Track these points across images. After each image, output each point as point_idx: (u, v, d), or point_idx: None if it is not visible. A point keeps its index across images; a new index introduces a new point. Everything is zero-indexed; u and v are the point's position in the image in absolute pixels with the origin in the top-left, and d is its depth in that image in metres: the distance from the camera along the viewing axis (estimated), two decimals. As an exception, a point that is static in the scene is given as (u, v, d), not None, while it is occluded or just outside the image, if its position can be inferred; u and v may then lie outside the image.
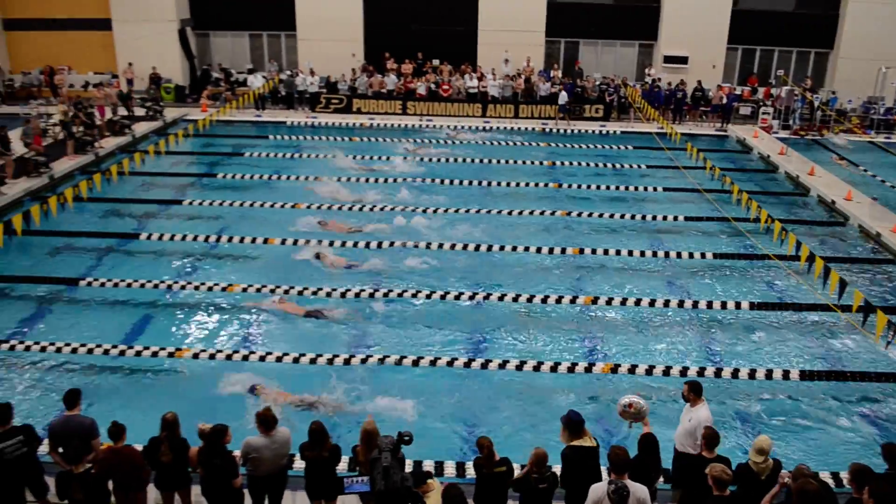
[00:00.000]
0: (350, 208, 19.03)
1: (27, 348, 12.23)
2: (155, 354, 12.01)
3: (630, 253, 16.48)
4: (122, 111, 27.23)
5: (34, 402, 10.84)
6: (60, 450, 7.88)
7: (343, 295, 14.16)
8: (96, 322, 13.48)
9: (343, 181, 21.09)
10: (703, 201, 20.14)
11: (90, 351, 12.11)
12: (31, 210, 17.02)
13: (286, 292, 14.22)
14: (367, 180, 21.44)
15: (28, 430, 7.92)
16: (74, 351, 12.12)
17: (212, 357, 11.93)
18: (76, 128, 23.46)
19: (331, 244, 16.51)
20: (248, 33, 33.77)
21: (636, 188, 21.41)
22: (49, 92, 31.57)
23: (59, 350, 12.14)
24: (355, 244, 16.62)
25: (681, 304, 14.16)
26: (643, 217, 18.97)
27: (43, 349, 12.18)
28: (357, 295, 14.18)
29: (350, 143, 26.01)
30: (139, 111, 28.24)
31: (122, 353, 12.08)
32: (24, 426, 7.95)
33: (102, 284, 14.54)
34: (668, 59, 31.53)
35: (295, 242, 16.62)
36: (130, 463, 7.69)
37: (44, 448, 8.30)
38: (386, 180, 21.48)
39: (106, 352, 12.10)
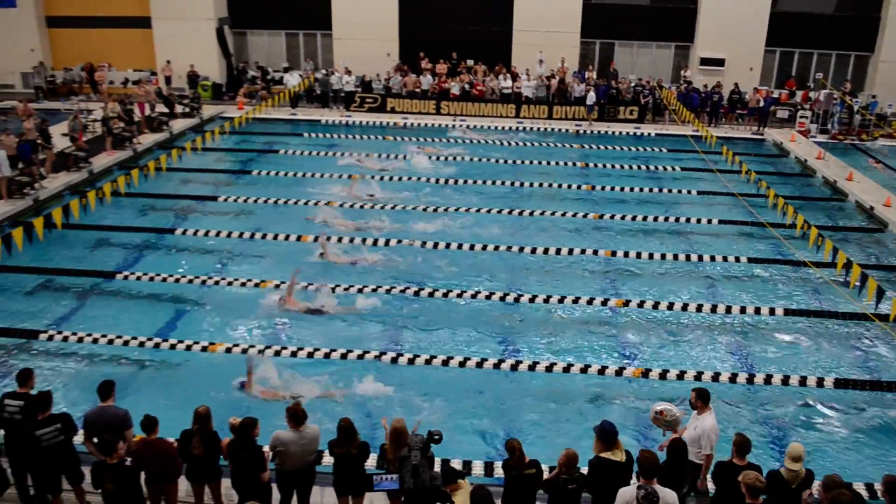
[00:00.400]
0: (382, 207, 19.11)
1: (65, 339, 12.49)
2: (189, 348, 12.19)
3: (663, 256, 16.38)
4: (160, 108, 27.61)
5: (71, 391, 11.04)
6: (95, 440, 8.02)
7: (374, 291, 14.26)
8: (131, 315, 13.71)
9: (376, 180, 21.23)
10: (738, 205, 19.92)
11: (126, 343, 12.32)
12: (71, 204, 17.37)
13: (317, 289, 14.33)
14: (399, 179, 21.52)
15: (66, 418, 8.07)
16: (111, 342, 12.35)
17: (244, 352, 12.07)
18: (115, 124, 23.87)
19: (363, 241, 16.62)
20: (284, 32, 34.06)
21: (670, 191, 21.23)
22: (89, 88, 32.17)
23: (95, 341, 12.39)
24: (387, 242, 16.67)
25: (713, 308, 14.02)
26: (676, 220, 18.82)
27: (80, 340, 12.44)
28: (388, 292, 14.24)
29: (378, 142, 26.13)
30: (176, 108, 28.63)
31: (156, 345, 12.27)
32: (62, 415, 8.11)
33: (138, 278, 14.81)
34: (705, 61, 31.19)
35: (328, 239, 16.73)
36: (163, 455, 7.80)
37: (79, 438, 8.44)
38: (419, 179, 21.54)
39: (141, 344, 12.30)
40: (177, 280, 14.71)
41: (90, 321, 13.40)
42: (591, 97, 28.50)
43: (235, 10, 33.40)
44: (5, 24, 32.70)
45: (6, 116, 24.65)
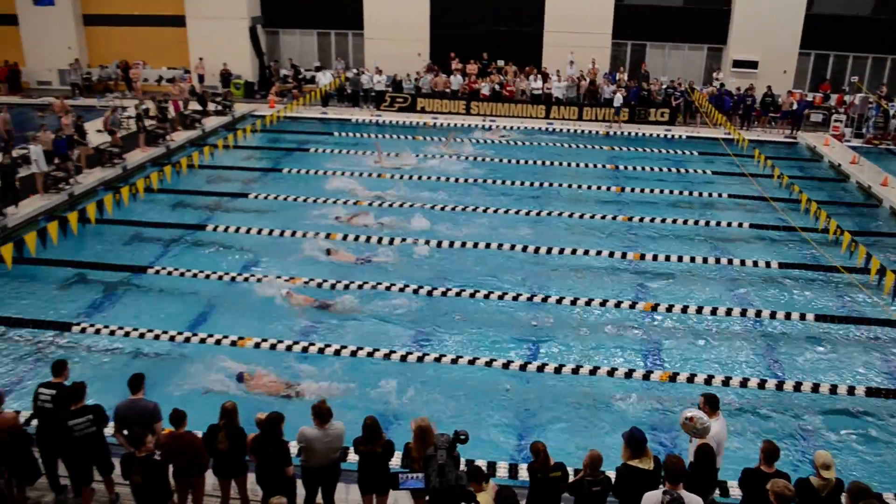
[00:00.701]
0: (410, 206, 19.17)
1: (97, 331, 12.70)
2: (218, 343, 12.33)
3: (692, 259, 16.25)
4: (193, 106, 27.93)
5: (101, 383, 11.18)
6: (125, 432, 8.14)
7: (401, 290, 14.33)
8: (162, 309, 13.90)
9: (405, 179, 21.33)
10: (770, 210, 19.71)
11: (156, 337, 12.49)
12: (105, 199, 17.65)
13: (345, 287, 14.42)
14: (428, 178, 21.58)
15: (98, 410, 8.20)
16: (142, 336, 12.53)
17: (272, 347, 12.19)
18: (149, 121, 24.20)
19: (380, 240, 16.67)
20: (316, 32, 34.30)
21: (700, 194, 21.05)
22: (124, 86, 32.65)
23: (126, 334, 12.57)
24: (415, 241, 16.72)
25: (743, 313, 13.89)
26: (707, 223, 18.66)
27: (112, 333, 12.63)
28: (416, 292, 14.30)
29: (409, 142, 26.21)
30: (209, 106, 28.96)
31: (186, 339, 12.43)
32: (94, 406, 8.23)
33: (169, 273, 15.00)
34: (738, 64, 30.87)
35: (356, 238, 16.84)
36: (191, 448, 7.89)
37: (110, 429, 8.57)
38: (447, 179, 21.58)
39: (172, 338, 12.47)
40: (207, 276, 14.88)
41: (122, 314, 13.62)
42: (619, 99, 28.37)
43: (268, 9, 33.72)
44: (43, 22, 33.33)
45: (43, 113, 25.07)
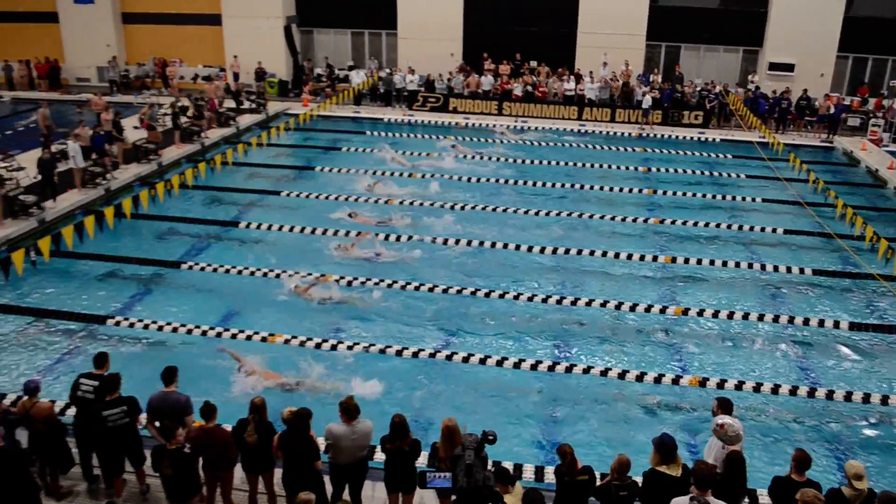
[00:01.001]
0: (441, 206, 19.21)
1: (131, 325, 12.92)
2: (249, 338, 12.47)
3: (724, 264, 16.09)
4: (228, 103, 28.25)
5: (133, 376, 11.34)
6: (157, 423, 8.27)
7: (431, 290, 14.38)
8: (194, 304, 14.09)
9: (436, 178, 21.40)
10: (805, 215, 19.47)
11: (189, 331, 12.67)
12: (141, 195, 17.91)
13: (375, 284, 14.51)
14: (458, 179, 21.61)
15: (132, 401, 8.34)
16: (175, 330, 12.72)
17: (302, 344, 12.30)
18: (184, 118, 24.52)
19: (409, 238, 16.72)
20: (350, 31, 34.49)
21: (734, 198, 20.83)
22: (161, 83, 33.11)
23: (160, 328, 12.77)
24: (445, 241, 16.75)
25: (776, 319, 13.72)
26: (740, 228, 18.46)
27: (145, 327, 12.84)
28: (445, 291, 14.33)
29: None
30: (243, 104, 29.29)
31: (218, 335, 12.58)
32: (129, 398, 8.36)
33: (202, 269, 15.19)
34: (774, 66, 30.49)
35: (386, 238, 16.92)
36: (220, 442, 7.97)
37: (143, 420, 8.70)
38: (479, 180, 21.60)
39: (204, 333, 12.63)
40: (239, 272, 15.05)
41: (155, 308, 13.82)
42: (648, 101, 28.20)
43: (303, 8, 33.97)
44: (83, 19, 33.93)
45: (81, 109, 25.51)
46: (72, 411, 8.87)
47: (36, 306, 13.73)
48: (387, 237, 16.92)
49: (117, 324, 12.98)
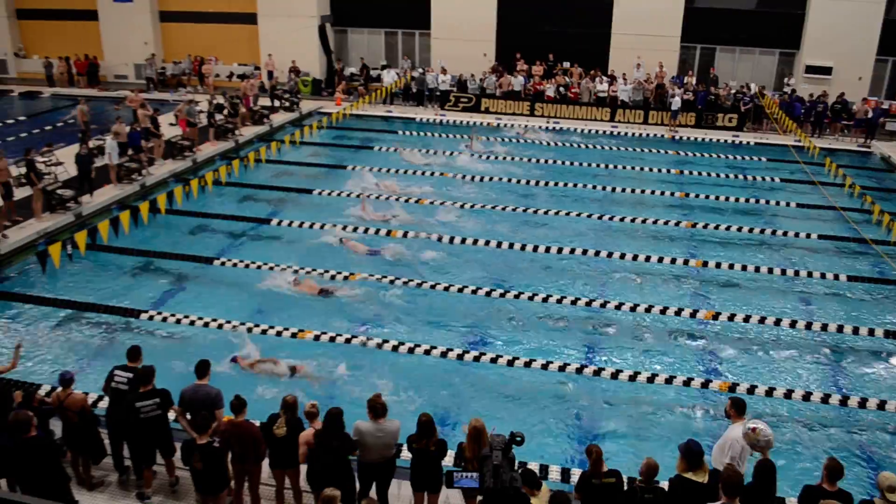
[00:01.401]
0: (472, 207, 19.23)
1: (164, 319, 13.11)
2: (279, 334, 12.60)
3: (757, 269, 15.93)
4: (262, 101, 28.52)
5: (164, 369, 11.51)
6: (188, 416, 8.38)
7: (460, 291, 14.42)
8: (226, 299, 14.27)
9: (467, 179, 21.45)
10: (840, 220, 19.19)
11: (220, 326, 12.83)
12: (175, 191, 18.15)
13: (404, 283, 14.57)
14: (482, 179, 21.63)
15: (165, 394, 8.47)
16: (206, 325, 12.88)
17: (332, 340, 12.41)
18: (219, 115, 24.81)
19: (440, 238, 16.77)
20: (384, 31, 34.63)
21: (767, 202, 20.57)
22: (196, 81, 33.52)
23: (192, 323, 12.95)
24: (478, 241, 16.77)
25: (808, 325, 13.55)
26: (773, 232, 18.24)
27: (178, 321, 13.03)
28: (474, 292, 14.36)
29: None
30: (277, 102, 29.55)
31: (249, 330, 12.71)
32: (162, 390, 8.50)
33: (234, 265, 15.37)
34: (810, 69, 30.01)
35: (416, 235, 16.99)
36: (249, 436, 8.04)
37: (172, 414, 8.83)
38: (509, 181, 21.59)
39: (234, 328, 12.78)
40: (271, 268, 15.19)
41: (187, 303, 14.02)
42: (677, 102, 27.93)
43: (338, 8, 34.16)
44: (122, 17, 34.45)
45: (119, 105, 25.91)
46: (104, 403, 9.01)
47: (71, 299, 13.98)
48: (417, 234, 16.99)
49: (150, 318, 13.19)
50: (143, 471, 8.77)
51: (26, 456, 7.53)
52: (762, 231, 18.26)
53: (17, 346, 9.84)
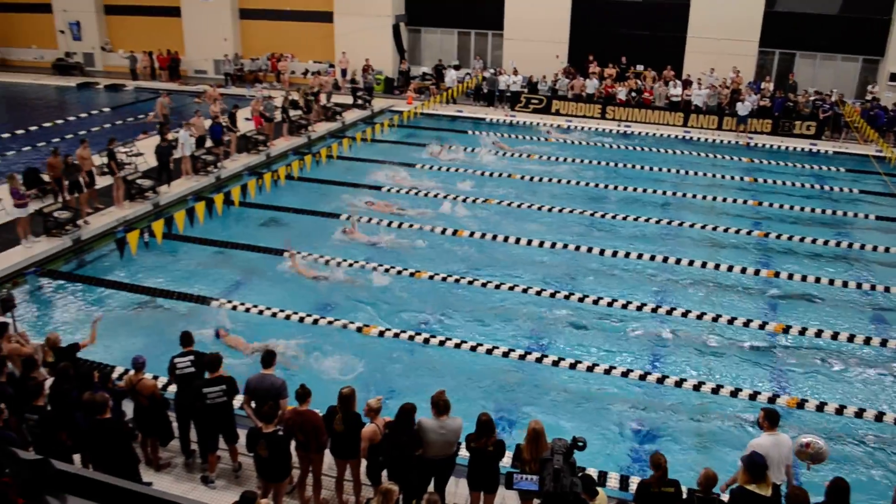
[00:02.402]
0: (540, 208, 19.17)
1: (233, 308, 13.49)
2: (344, 327, 12.83)
3: (831, 282, 15.46)
4: (335, 98, 28.98)
5: (231, 356, 11.83)
6: (253, 404, 8.60)
7: (524, 292, 14.43)
8: (294, 291, 14.56)
9: (524, 180, 21.42)
10: (922, 235, 18.49)
11: (287, 317, 13.12)
12: (249, 184, 18.62)
13: (482, 286, 14.64)
14: (549, 180, 21.56)
15: (231, 381, 8.72)
16: (274, 315, 13.19)
17: (396, 336, 12.58)
18: (293, 111, 25.33)
19: (506, 239, 16.77)
20: (457, 31, 34.78)
21: (845, 213, 19.93)
22: (273, 77, 34.25)
23: (260, 313, 13.27)
24: (545, 244, 16.74)
25: (883, 342, 13.09)
26: (850, 245, 17.67)
27: (247, 310, 13.40)
28: (538, 293, 14.34)
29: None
30: (347, 99, 29.98)
31: (315, 321, 12.98)
32: (228, 377, 8.75)
33: (303, 257, 15.67)
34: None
35: (483, 236, 17.04)
36: (312, 425, 8.21)
37: (237, 401, 9.07)
38: (578, 183, 21.46)
39: (301, 319, 13.05)
40: (338, 263, 15.45)
41: (256, 293, 14.39)
42: (746, 108, 27.24)
43: (412, 7, 34.44)
44: (203, 14, 35.44)
45: (200, 100, 26.70)
46: (174, 387, 9.31)
47: (147, 285, 14.49)
48: (475, 233, 17.04)
49: (220, 306, 13.57)
50: (207, 455, 9.04)
51: (100, 437, 7.86)
52: (838, 243, 17.70)
53: (95, 320, 10.28)
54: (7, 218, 16.40)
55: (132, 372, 9.07)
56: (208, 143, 21.45)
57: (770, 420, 7.93)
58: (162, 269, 15.44)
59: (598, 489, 7.57)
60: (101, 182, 18.57)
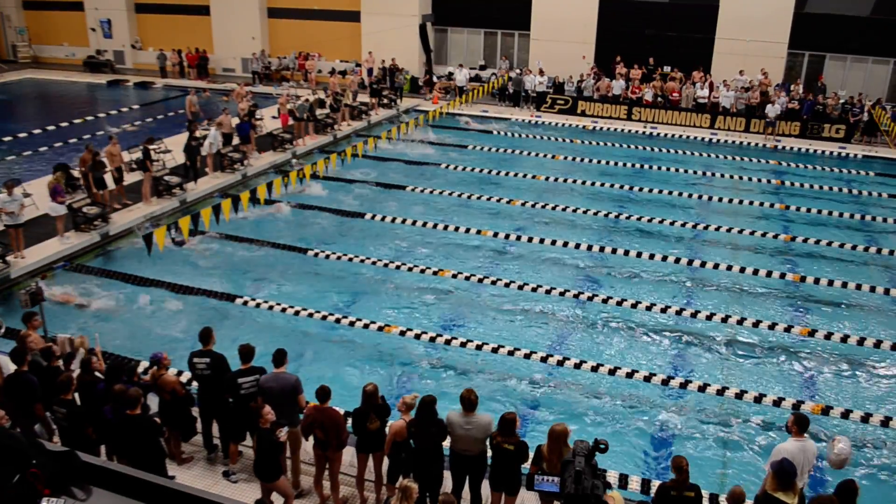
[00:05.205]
0: (564, 210, 19.14)
1: (257, 305, 13.62)
2: (366, 327, 12.89)
3: (858, 286, 15.24)
4: (361, 97, 29.11)
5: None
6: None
7: (552, 292, 14.41)
8: (319, 290, 14.68)
9: (549, 181, 21.37)
10: (954, 241, 18.20)
11: (310, 315, 13.22)
12: (274, 181, 18.72)
13: (501, 285, 14.65)
14: (564, 180, 21.51)
15: (263, 372, 8.81)
16: (297, 314, 13.31)
17: (417, 337, 12.62)
18: (320, 110, 25.48)
19: (518, 237, 16.77)
20: (483, 31, 34.78)
21: (874, 218, 19.66)
22: (300, 76, 34.48)
23: (283, 311, 13.40)
24: (567, 244, 16.71)
25: (912, 349, 12.94)
26: (879, 251, 17.44)
27: (270, 308, 13.52)
28: (562, 294, 14.33)
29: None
30: (367, 98, 30.08)
31: (337, 321, 13.06)
32: (259, 367, 8.85)
33: (327, 256, 15.78)
34: (929, 81, 28.53)
35: (507, 237, 17.06)
36: (333, 422, 8.26)
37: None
38: (593, 184, 21.40)
39: (324, 318, 13.15)
40: (362, 261, 15.54)
41: (281, 291, 14.51)
42: (774, 110, 26.95)
43: (439, 7, 34.48)
44: (232, 13, 35.76)
45: (228, 97, 26.94)
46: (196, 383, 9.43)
47: (173, 281, 14.66)
48: (507, 236, 17.03)
49: (245, 303, 13.70)
50: (229, 447, 9.15)
51: (128, 432, 7.97)
52: (866, 248, 17.49)
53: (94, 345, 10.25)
54: (38, 212, 16.70)
55: (154, 368, 9.18)
56: (235, 141, 21.64)
57: (799, 425, 7.85)
58: (186, 266, 15.60)
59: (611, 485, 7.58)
60: (130, 178, 18.80)
